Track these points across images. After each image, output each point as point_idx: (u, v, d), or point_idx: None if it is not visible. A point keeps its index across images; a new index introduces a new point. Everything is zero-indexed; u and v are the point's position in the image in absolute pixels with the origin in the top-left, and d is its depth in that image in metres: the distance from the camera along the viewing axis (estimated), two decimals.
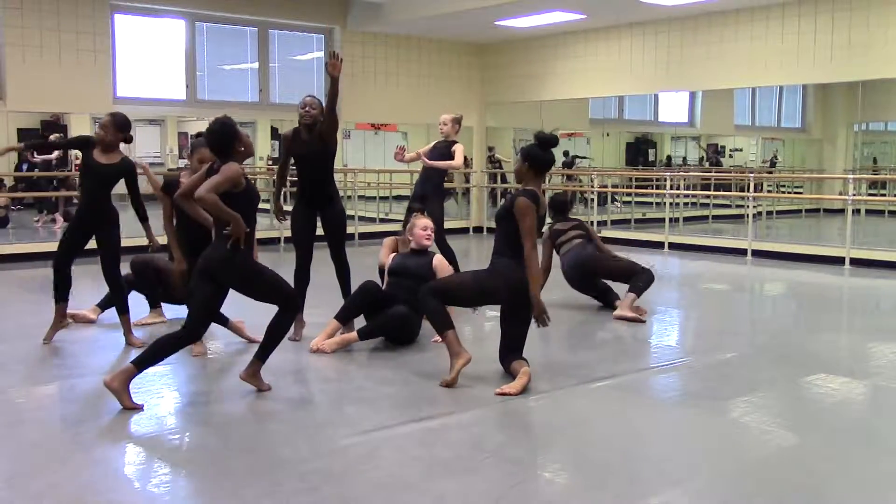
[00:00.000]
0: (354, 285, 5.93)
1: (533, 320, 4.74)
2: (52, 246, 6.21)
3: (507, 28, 12.63)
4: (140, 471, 3.63)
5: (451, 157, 7.21)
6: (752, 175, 12.18)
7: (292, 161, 5.98)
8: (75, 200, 9.86)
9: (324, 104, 5.73)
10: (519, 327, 4.80)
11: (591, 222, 12.33)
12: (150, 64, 11.87)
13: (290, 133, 5.85)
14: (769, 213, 14.06)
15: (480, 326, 6.45)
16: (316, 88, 12.89)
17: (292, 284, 5.29)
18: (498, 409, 4.39)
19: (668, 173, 13.19)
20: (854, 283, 9.19)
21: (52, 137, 10.51)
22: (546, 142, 4.81)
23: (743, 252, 10.96)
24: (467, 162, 13.83)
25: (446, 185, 8.26)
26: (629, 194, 14.31)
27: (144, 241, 5.96)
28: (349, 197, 13.20)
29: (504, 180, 14.52)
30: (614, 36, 12.61)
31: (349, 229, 11.95)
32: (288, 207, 6.26)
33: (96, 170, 5.60)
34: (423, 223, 6.00)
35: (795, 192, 15.45)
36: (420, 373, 5.02)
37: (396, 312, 5.55)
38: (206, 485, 3.40)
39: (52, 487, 3.30)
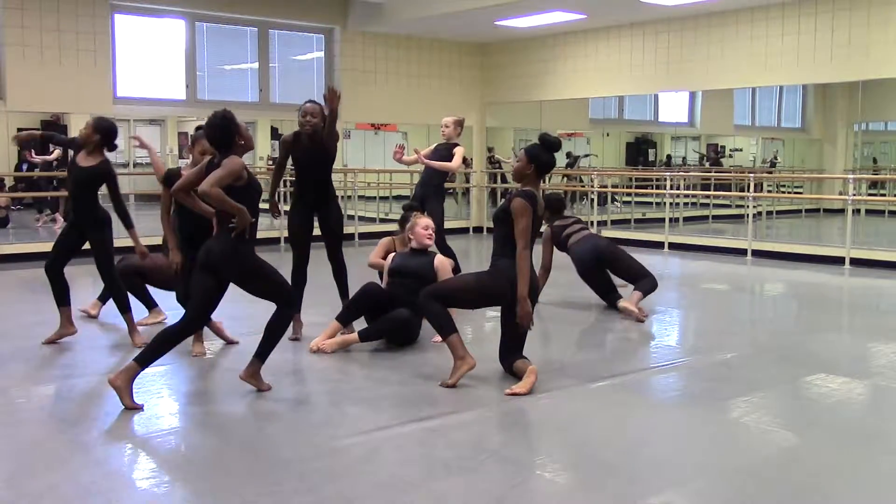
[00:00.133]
0: (353, 286, 5.93)
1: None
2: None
3: (507, 28, 12.63)
4: (140, 471, 3.63)
5: (451, 159, 7.21)
6: (752, 175, 12.18)
7: (290, 163, 6.00)
8: None
9: (325, 111, 5.78)
10: (520, 327, 4.80)
11: (591, 222, 12.33)
12: (150, 64, 11.88)
13: (291, 137, 5.87)
14: (769, 213, 14.06)
15: (480, 326, 6.45)
16: (315, 88, 12.92)
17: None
18: (498, 409, 4.40)
19: (668, 173, 13.19)
20: (854, 283, 9.18)
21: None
22: (550, 145, 4.82)
23: (743, 252, 10.96)
24: (467, 162, 13.82)
25: (447, 185, 8.26)
26: (629, 194, 14.32)
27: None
28: (349, 197, 13.22)
29: (504, 180, 14.53)
30: (614, 36, 12.61)
31: (349, 229, 11.98)
32: (285, 207, 6.27)
33: (74, 172, 5.64)
34: (424, 222, 5.99)
35: (795, 192, 15.45)
36: (420, 373, 5.02)
37: (398, 316, 5.54)
38: (206, 485, 3.40)
39: (52, 487, 3.30)
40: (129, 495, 3.30)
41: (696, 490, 3.40)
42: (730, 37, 11.35)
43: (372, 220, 13.84)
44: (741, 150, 15.83)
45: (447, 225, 7.86)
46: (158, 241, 6.33)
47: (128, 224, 5.72)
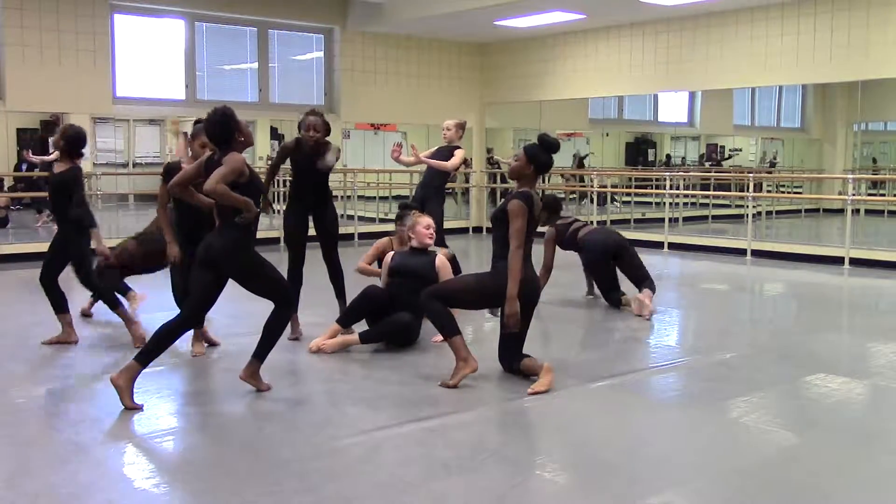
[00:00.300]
0: (350, 288, 5.93)
1: (504, 319, 4.71)
2: None
3: (507, 28, 12.63)
4: (139, 471, 3.62)
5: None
6: (751, 175, 12.18)
7: (289, 164, 6.02)
8: None
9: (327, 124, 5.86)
10: (505, 327, 4.79)
11: (592, 222, 12.32)
12: (150, 64, 11.87)
13: (293, 144, 5.89)
14: (769, 213, 14.06)
15: (480, 326, 6.45)
16: (315, 88, 12.94)
17: None
18: (498, 409, 4.40)
19: (668, 173, 13.19)
20: (854, 283, 9.18)
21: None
22: (549, 145, 4.82)
23: (743, 252, 10.96)
24: (467, 162, 13.82)
25: (448, 185, 8.27)
26: (629, 194, 14.32)
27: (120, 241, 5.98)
28: (348, 197, 13.21)
29: (503, 181, 14.52)
30: (614, 36, 12.61)
31: (349, 229, 11.97)
32: (281, 207, 6.31)
33: (49, 178, 5.70)
34: (425, 221, 5.97)
35: (795, 192, 15.45)
36: (420, 373, 5.01)
37: (400, 320, 5.53)
38: (206, 485, 3.40)
39: (52, 487, 3.30)
40: (128, 495, 3.30)
41: (696, 490, 3.40)
42: (729, 37, 11.35)
43: (371, 220, 13.83)
44: (741, 150, 15.83)
45: (446, 225, 7.86)
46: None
47: (87, 224, 5.61)
